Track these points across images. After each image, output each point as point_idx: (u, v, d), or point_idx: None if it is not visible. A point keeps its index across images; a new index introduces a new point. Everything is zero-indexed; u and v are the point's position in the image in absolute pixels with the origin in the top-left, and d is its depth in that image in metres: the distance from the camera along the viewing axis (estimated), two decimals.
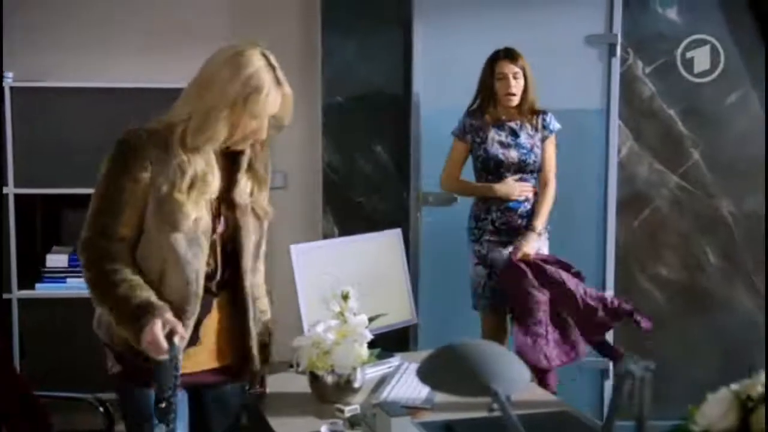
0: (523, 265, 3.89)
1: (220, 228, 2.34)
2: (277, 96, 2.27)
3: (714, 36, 4.62)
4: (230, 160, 2.37)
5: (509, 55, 4.03)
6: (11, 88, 3.91)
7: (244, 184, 2.37)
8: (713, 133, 4.70)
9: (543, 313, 3.86)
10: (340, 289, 2.76)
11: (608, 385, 4.72)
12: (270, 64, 2.26)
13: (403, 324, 3.42)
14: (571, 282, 3.86)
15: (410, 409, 2.52)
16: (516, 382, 1.45)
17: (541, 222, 4.05)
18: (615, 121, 4.64)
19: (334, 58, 4.47)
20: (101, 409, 2.87)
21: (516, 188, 4.04)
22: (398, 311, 3.35)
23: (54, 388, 3.09)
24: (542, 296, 3.88)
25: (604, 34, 4.59)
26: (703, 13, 4.61)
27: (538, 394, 2.96)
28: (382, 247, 3.39)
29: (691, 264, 4.77)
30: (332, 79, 4.49)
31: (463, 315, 4.27)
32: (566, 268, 3.94)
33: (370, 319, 2.79)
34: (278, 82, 2.27)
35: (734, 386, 1.43)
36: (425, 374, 1.53)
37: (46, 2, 4.24)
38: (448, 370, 1.50)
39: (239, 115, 2.23)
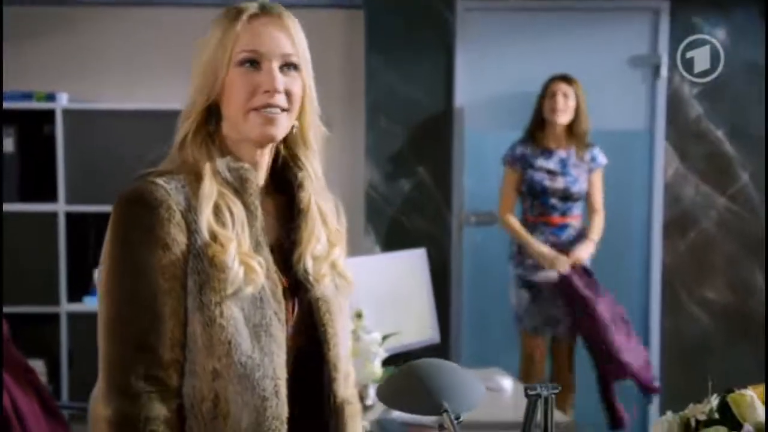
0: (572, 277, 3.97)
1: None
2: None
3: (760, 56, 4.55)
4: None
5: (564, 77, 4.09)
6: (64, 110, 4.06)
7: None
8: (763, 154, 4.62)
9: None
10: (355, 308, 2.81)
11: (653, 409, 4.66)
12: None
13: (423, 343, 3.44)
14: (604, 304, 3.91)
15: (414, 427, 2.55)
16: (468, 400, 1.48)
17: (597, 233, 4.10)
18: (661, 142, 4.60)
19: (377, 81, 4.55)
20: None
21: (551, 259, 4.02)
22: (419, 330, 3.38)
23: None
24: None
25: (649, 55, 4.56)
26: (751, 34, 4.55)
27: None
28: (405, 266, 3.43)
29: (740, 287, 4.70)
30: (375, 102, 4.56)
31: (505, 335, 4.29)
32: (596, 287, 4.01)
33: (384, 338, 2.83)
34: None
35: (686, 411, 1.43)
36: (383, 393, 1.56)
37: (98, 27, 4.40)
38: (403, 388, 1.53)
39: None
